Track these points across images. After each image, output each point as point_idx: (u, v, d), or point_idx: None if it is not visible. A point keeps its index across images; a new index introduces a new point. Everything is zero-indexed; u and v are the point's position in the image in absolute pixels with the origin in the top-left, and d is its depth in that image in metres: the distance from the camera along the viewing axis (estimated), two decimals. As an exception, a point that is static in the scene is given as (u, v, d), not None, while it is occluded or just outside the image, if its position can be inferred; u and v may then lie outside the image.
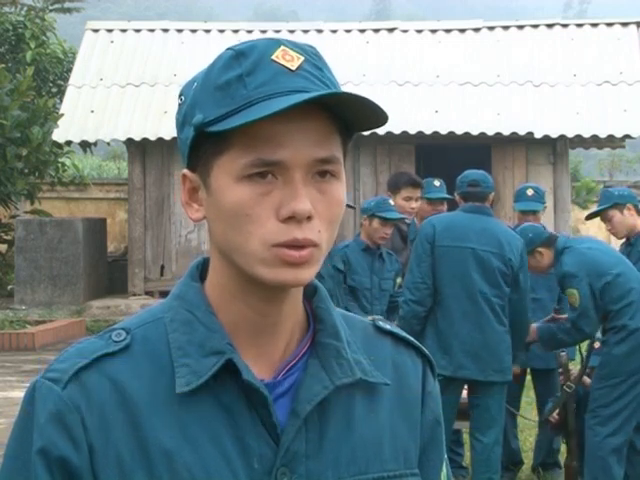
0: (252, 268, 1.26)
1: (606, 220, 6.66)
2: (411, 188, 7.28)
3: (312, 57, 1.28)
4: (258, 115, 1.20)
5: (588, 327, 5.91)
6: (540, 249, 6.16)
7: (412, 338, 1.44)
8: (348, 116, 1.27)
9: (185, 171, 1.32)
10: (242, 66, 1.25)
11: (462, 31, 17.13)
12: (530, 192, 6.99)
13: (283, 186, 1.24)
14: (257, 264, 1.25)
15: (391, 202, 6.79)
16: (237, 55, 1.26)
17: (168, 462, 1.24)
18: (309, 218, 1.24)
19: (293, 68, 1.25)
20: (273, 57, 1.25)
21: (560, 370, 6.38)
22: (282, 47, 1.26)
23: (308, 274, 1.26)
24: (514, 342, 5.98)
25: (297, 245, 1.24)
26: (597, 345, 6.30)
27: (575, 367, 6.80)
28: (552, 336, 6.10)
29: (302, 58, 1.26)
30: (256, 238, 1.24)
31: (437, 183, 7.59)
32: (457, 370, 5.85)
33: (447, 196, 7.56)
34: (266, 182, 1.24)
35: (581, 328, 5.91)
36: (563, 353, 6.35)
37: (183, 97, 1.32)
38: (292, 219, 1.23)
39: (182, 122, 1.31)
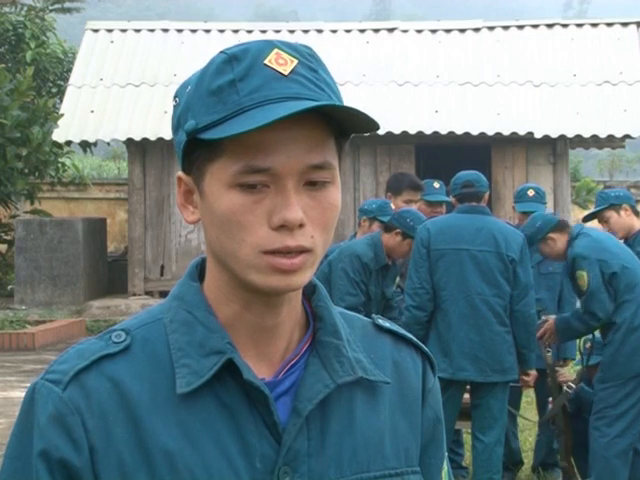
0: (245, 274, 1.26)
1: (603, 221, 6.67)
2: (413, 191, 7.28)
3: (307, 58, 1.27)
4: (247, 127, 1.20)
5: (601, 311, 5.84)
6: (551, 235, 6.11)
7: (412, 336, 1.44)
8: (341, 120, 1.27)
9: (180, 174, 1.32)
10: (234, 71, 1.25)
11: (462, 31, 17.13)
12: (531, 193, 6.98)
13: (275, 194, 1.24)
14: (249, 270, 1.25)
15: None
16: (230, 59, 1.26)
17: (169, 463, 1.24)
18: (301, 225, 1.24)
19: (286, 73, 1.24)
20: (266, 61, 1.25)
21: (547, 371, 6.39)
22: (276, 50, 1.26)
23: (301, 280, 1.26)
24: (522, 340, 5.93)
25: (289, 252, 1.24)
26: (588, 345, 6.31)
27: (567, 366, 6.81)
28: (567, 325, 6.05)
29: (295, 61, 1.26)
30: (248, 245, 1.24)
31: (437, 185, 7.58)
32: (457, 372, 5.86)
33: (446, 199, 7.56)
34: (257, 190, 1.24)
35: (593, 312, 5.84)
36: (549, 353, 6.36)
37: (177, 99, 1.32)
38: (284, 227, 1.23)
39: (176, 125, 1.31)
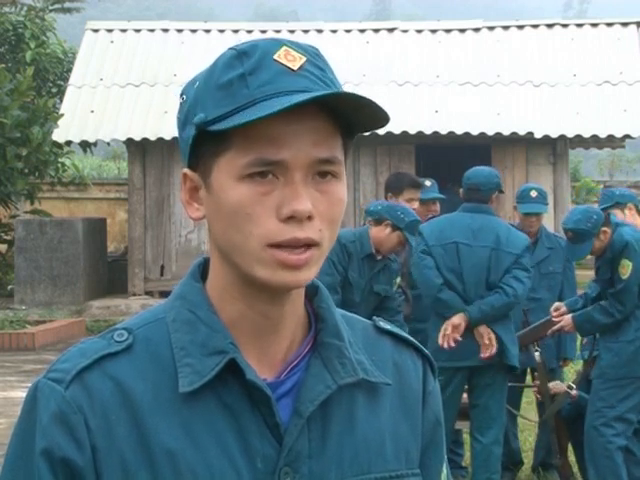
0: (251, 268, 1.26)
1: None
2: (413, 190, 7.29)
3: (314, 57, 1.28)
4: (259, 114, 1.20)
5: (629, 302, 5.85)
6: (604, 228, 5.98)
7: (412, 338, 1.45)
8: (349, 116, 1.27)
9: (186, 170, 1.32)
10: (244, 65, 1.25)
11: (462, 31, 17.14)
12: (534, 194, 6.96)
13: (284, 186, 1.24)
14: (256, 264, 1.25)
15: None
16: (239, 54, 1.27)
17: (171, 462, 1.24)
18: (310, 218, 1.24)
19: (295, 68, 1.25)
20: (275, 57, 1.25)
21: (536, 371, 6.39)
22: (284, 47, 1.26)
23: (307, 275, 1.26)
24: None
25: (298, 245, 1.24)
26: (585, 341, 6.31)
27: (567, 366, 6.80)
28: (588, 318, 6.02)
29: (304, 58, 1.27)
30: (256, 238, 1.24)
31: (428, 183, 7.59)
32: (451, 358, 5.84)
33: (439, 196, 7.58)
34: (267, 182, 1.24)
35: (622, 301, 5.84)
36: (537, 353, 6.36)
37: (184, 96, 1.32)
38: (293, 219, 1.23)
39: (184, 121, 1.31)
